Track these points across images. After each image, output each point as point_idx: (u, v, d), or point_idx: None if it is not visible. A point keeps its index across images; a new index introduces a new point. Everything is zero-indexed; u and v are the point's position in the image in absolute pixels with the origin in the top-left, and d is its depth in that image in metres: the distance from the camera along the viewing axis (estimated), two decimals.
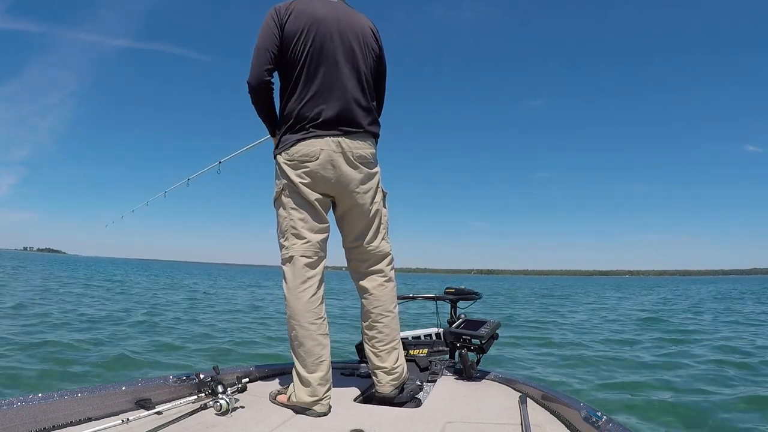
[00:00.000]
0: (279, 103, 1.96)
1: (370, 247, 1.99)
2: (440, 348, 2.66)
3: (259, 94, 1.89)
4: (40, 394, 1.49)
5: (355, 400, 2.01)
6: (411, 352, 2.60)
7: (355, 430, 1.60)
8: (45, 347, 5.91)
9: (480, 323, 2.41)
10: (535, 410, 1.78)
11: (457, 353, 2.47)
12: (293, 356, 1.84)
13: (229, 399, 1.72)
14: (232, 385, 1.87)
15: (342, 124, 1.87)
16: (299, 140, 1.84)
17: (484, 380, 2.29)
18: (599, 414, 1.45)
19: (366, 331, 2.02)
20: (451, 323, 2.65)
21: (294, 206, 1.86)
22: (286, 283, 1.86)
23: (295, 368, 1.82)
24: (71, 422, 1.51)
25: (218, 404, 1.70)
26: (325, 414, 1.77)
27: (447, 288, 2.83)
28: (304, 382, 1.78)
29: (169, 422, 1.58)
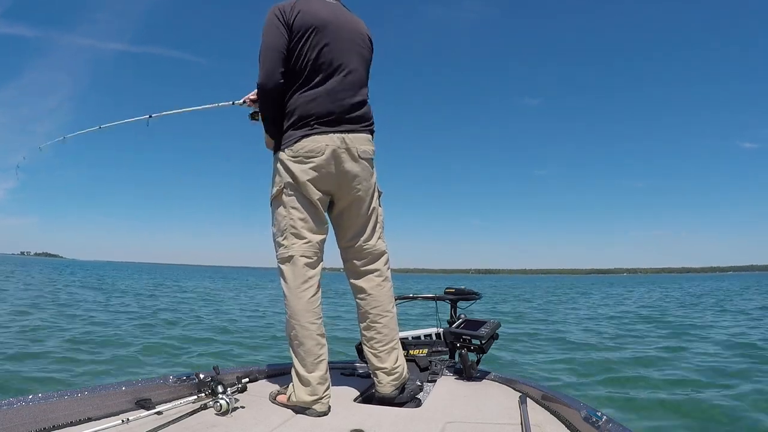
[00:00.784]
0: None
1: (366, 246, 2.00)
2: (440, 348, 2.66)
3: (272, 96, 1.88)
4: (40, 394, 1.49)
5: (355, 400, 2.01)
6: (411, 352, 2.60)
7: (355, 430, 1.60)
8: None
9: (480, 323, 2.41)
10: (535, 410, 1.78)
11: (457, 353, 2.47)
12: (293, 356, 1.84)
13: (229, 399, 1.72)
14: (232, 385, 1.87)
15: (345, 121, 1.91)
16: (304, 136, 1.85)
17: (484, 380, 2.29)
18: (599, 414, 1.45)
19: (364, 332, 2.02)
20: (451, 323, 2.65)
21: (295, 205, 1.86)
22: (285, 282, 1.86)
23: (295, 368, 1.83)
24: (71, 422, 1.51)
25: (218, 404, 1.70)
26: (325, 413, 1.78)
27: (447, 288, 2.83)
28: (304, 382, 1.79)
29: (169, 422, 1.58)
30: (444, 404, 1.91)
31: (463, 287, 2.84)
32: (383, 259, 2.04)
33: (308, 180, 1.85)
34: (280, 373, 2.32)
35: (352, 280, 2.04)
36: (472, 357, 2.34)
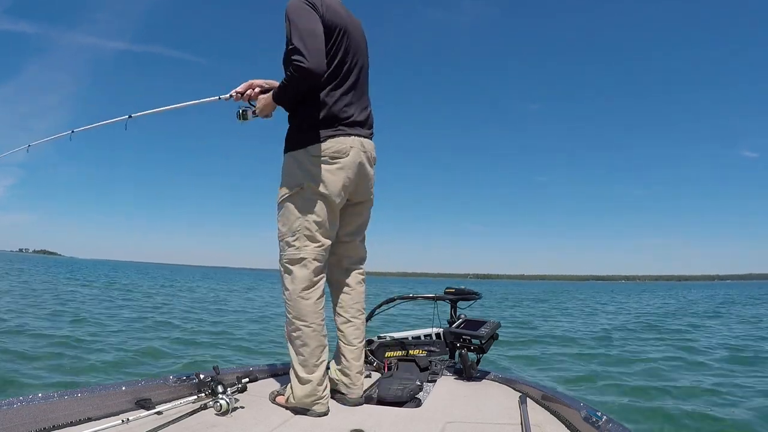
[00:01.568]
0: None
1: (359, 245, 2.08)
2: (440, 348, 2.66)
3: (316, 81, 1.75)
4: (40, 394, 1.49)
5: None
6: (411, 352, 2.61)
7: (355, 430, 1.60)
8: None
9: (480, 323, 2.42)
10: (535, 410, 1.78)
11: (457, 353, 2.48)
12: (293, 356, 1.83)
13: (229, 399, 1.72)
14: (232, 385, 1.87)
15: (362, 125, 1.93)
16: (330, 137, 1.82)
17: (484, 380, 2.29)
18: (599, 414, 1.45)
19: (342, 327, 2.01)
20: (451, 323, 2.65)
21: (313, 207, 1.82)
22: (293, 283, 1.82)
23: (294, 369, 1.82)
24: (71, 422, 1.51)
25: (218, 404, 1.70)
26: (324, 414, 1.78)
27: (447, 288, 2.83)
28: (303, 383, 1.78)
29: (169, 422, 1.58)
30: (444, 404, 1.91)
31: (463, 287, 2.84)
32: (365, 260, 2.12)
33: (334, 181, 1.82)
34: (279, 374, 2.32)
35: (335, 276, 2.05)
36: (472, 357, 2.34)
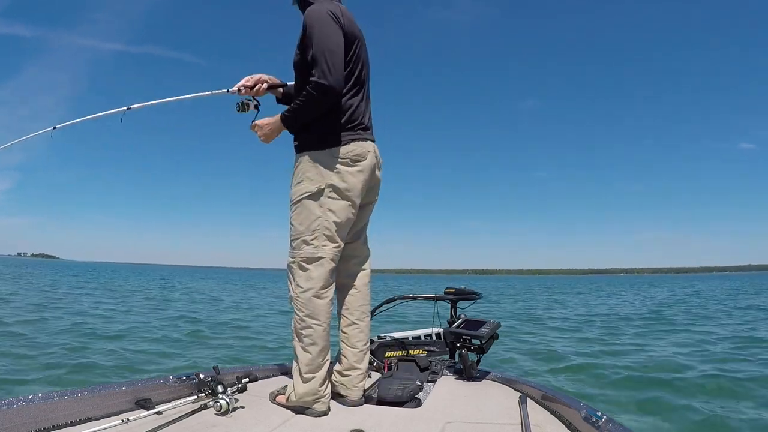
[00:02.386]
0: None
1: (363, 246, 2.10)
2: (440, 348, 2.66)
3: (335, 100, 1.81)
4: (40, 394, 1.49)
5: None
6: (411, 352, 2.60)
7: (355, 430, 1.60)
8: None
9: (480, 323, 2.41)
10: (535, 410, 1.78)
11: (457, 353, 2.47)
12: (299, 354, 1.82)
13: (229, 399, 1.72)
14: (232, 385, 1.87)
15: (371, 131, 2.00)
16: (353, 140, 1.87)
17: (484, 380, 2.29)
18: (599, 414, 1.45)
19: (346, 330, 2.01)
20: (451, 323, 2.65)
21: (334, 208, 1.83)
22: (310, 282, 1.82)
23: (298, 366, 1.82)
24: (71, 422, 1.51)
25: (218, 404, 1.70)
26: (325, 413, 1.78)
27: (447, 288, 2.83)
28: (306, 380, 1.79)
29: (169, 422, 1.58)
30: (444, 404, 1.91)
31: (463, 287, 2.84)
32: (370, 260, 2.12)
33: (355, 183, 1.85)
34: (280, 373, 2.32)
35: (342, 277, 2.03)
36: (472, 357, 2.34)
